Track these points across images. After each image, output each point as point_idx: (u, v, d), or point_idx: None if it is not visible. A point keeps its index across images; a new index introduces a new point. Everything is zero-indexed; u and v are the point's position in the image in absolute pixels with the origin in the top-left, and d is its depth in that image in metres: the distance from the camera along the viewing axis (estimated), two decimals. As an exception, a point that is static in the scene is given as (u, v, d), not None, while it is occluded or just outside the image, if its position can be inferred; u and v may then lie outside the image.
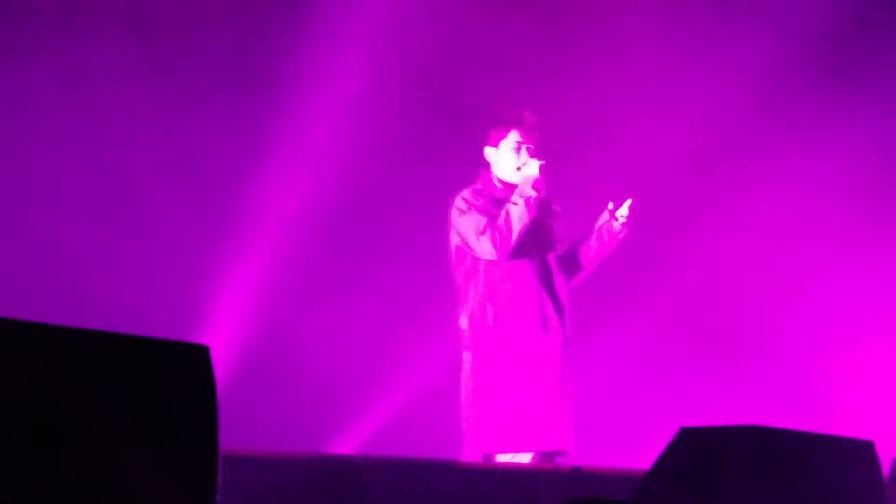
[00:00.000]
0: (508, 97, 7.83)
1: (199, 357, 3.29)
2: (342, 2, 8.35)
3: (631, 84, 8.60)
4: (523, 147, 6.78)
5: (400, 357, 8.30)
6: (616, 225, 6.78)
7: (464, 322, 6.75)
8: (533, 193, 6.64)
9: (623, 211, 6.77)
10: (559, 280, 6.82)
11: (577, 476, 5.28)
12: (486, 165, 6.88)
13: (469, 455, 6.65)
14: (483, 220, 6.67)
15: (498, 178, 6.83)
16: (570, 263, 6.89)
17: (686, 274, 8.64)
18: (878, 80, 8.74)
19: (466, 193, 6.81)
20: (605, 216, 6.82)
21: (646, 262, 8.63)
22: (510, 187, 6.78)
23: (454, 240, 6.79)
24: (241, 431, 6.58)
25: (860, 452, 3.73)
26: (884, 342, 8.52)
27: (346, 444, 8.20)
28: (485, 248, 6.67)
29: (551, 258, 6.84)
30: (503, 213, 6.64)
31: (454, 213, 6.76)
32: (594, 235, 6.84)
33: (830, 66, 8.74)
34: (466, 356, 6.72)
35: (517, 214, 6.62)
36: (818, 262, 8.69)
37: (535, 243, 6.80)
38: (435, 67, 8.58)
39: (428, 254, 7.56)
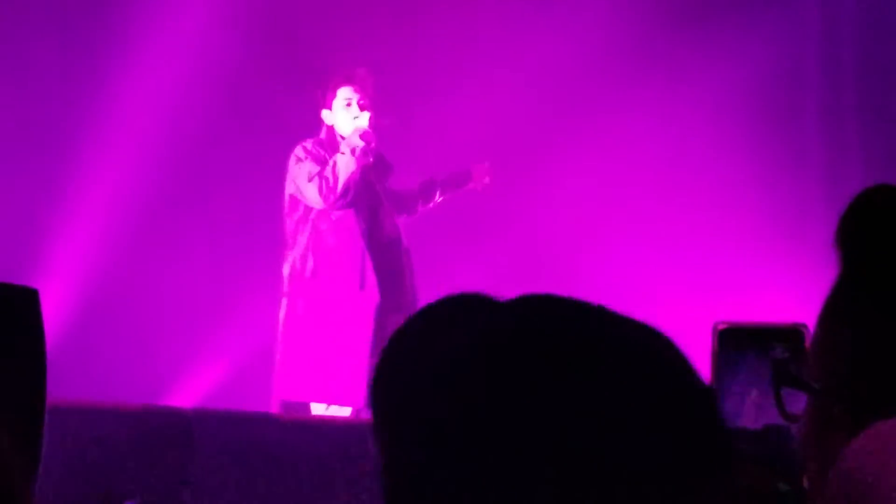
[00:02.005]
0: (349, 54, 7.80)
1: (26, 300, 3.22)
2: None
3: (477, 36, 8.57)
4: (353, 101, 6.82)
5: (237, 308, 8.25)
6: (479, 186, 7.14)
7: (286, 269, 6.87)
8: (360, 144, 6.72)
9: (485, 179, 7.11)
10: (388, 239, 6.87)
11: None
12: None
13: (273, 398, 6.82)
14: (316, 169, 6.74)
15: (340, 136, 6.87)
16: (412, 200, 7.06)
17: (513, 231, 8.64)
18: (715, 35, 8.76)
19: (308, 143, 6.89)
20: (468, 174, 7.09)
21: (482, 215, 8.62)
22: None
23: (289, 188, 6.87)
24: (73, 381, 6.52)
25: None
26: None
27: (182, 396, 8.13)
28: (311, 195, 6.74)
29: (384, 217, 6.89)
30: (331, 162, 6.72)
31: (292, 161, 6.85)
32: (450, 185, 7.11)
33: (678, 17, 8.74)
34: (283, 302, 6.86)
35: (343, 163, 6.70)
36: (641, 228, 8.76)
37: (366, 200, 6.84)
38: (281, 20, 8.52)
39: (267, 203, 7.53)
